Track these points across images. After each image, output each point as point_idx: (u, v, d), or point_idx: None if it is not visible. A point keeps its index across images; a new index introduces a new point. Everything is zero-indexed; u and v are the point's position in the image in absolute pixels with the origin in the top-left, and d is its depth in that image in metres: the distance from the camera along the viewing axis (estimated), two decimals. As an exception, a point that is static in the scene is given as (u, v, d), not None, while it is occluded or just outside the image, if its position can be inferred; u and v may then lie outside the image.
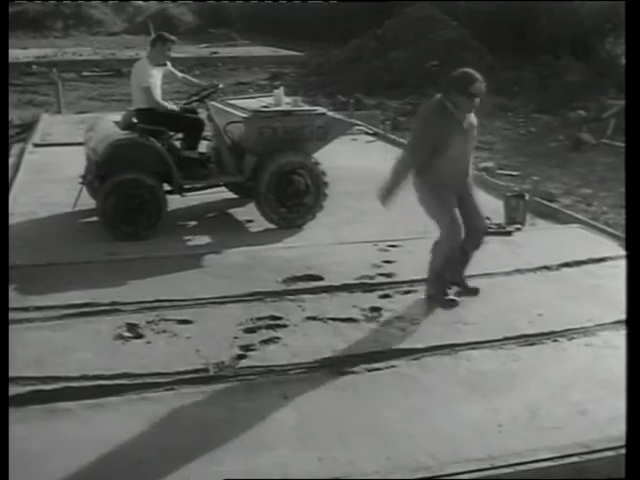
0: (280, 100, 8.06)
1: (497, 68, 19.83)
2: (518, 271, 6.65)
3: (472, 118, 5.77)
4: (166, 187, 7.84)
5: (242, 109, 8.02)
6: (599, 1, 20.79)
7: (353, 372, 4.89)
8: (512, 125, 15.86)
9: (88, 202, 7.95)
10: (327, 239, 7.63)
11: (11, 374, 4.42)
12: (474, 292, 6.12)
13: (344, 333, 5.41)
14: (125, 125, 7.85)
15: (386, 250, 7.11)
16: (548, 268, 6.72)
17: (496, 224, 7.91)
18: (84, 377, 4.74)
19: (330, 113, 8.39)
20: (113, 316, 5.63)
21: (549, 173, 11.42)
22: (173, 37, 8.09)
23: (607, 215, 9.07)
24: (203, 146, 8.45)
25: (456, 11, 22.98)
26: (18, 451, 3.88)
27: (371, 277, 6.41)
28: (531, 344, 5.30)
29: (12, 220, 7.81)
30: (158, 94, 7.84)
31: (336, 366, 4.95)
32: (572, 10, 21.47)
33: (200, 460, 3.96)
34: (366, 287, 6.21)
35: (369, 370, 4.92)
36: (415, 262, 6.71)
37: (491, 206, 8.65)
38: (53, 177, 9.75)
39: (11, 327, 5.06)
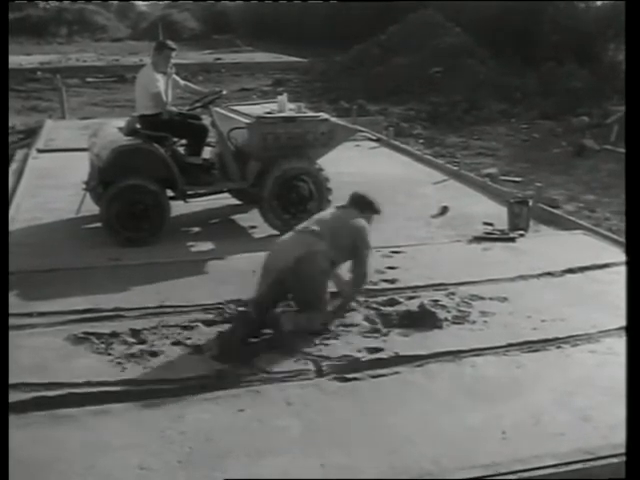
0: (284, 106, 8.07)
1: (500, 74, 19.87)
2: (521, 277, 6.64)
3: None
4: (169, 193, 7.85)
5: (246, 115, 8.03)
6: (604, 3, 20.86)
7: (357, 379, 4.89)
8: (515, 131, 15.88)
9: (91, 208, 7.96)
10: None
11: (14, 380, 4.43)
12: None
13: (347, 339, 5.40)
14: (129, 131, 7.87)
15: (389, 256, 7.10)
16: (551, 274, 6.72)
17: (499, 230, 7.92)
18: (88, 383, 4.74)
19: (333, 119, 8.40)
20: (116, 322, 5.63)
21: (552, 179, 11.44)
22: (174, 45, 8.10)
23: (610, 221, 9.08)
24: (207, 152, 8.46)
25: (459, 17, 23.02)
26: (20, 458, 3.89)
27: (374, 283, 6.40)
28: (535, 350, 5.30)
29: (16, 226, 7.86)
30: (169, 101, 7.88)
31: (340, 372, 4.95)
32: (575, 16, 21.52)
33: (204, 467, 3.96)
34: (369, 293, 6.20)
35: (373, 377, 4.91)
36: (418, 268, 6.72)
37: (494, 212, 8.69)
38: (57, 183, 9.77)
39: (14, 333, 5.09)
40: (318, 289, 5.60)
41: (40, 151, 12.09)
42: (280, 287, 5.58)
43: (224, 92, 8.49)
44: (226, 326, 5.56)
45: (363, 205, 5.95)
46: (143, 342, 5.33)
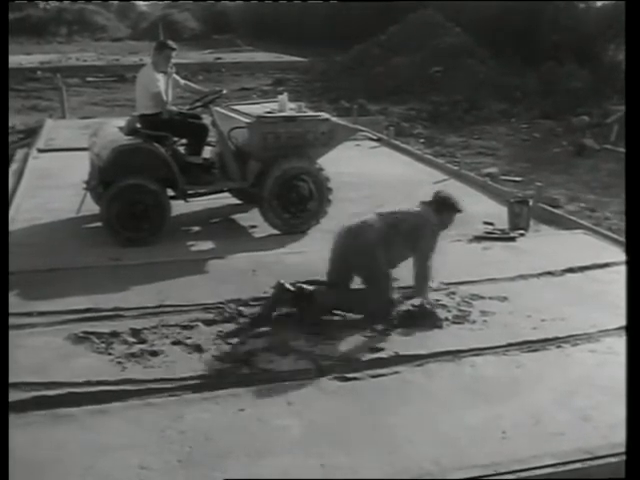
0: (284, 106, 8.07)
1: (500, 74, 19.86)
2: (522, 277, 6.65)
3: None
4: (170, 193, 7.85)
5: (246, 115, 8.03)
6: (604, 4, 20.87)
7: (357, 378, 4.89)
8: (515, 131, 15.88)
9: (92, 207, 7.95)
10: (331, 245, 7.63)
11: (14, 380, 4.43)
12: None
13: (347, 339, 5.40)
14: (129, 131, 7.86)
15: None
16: (552, 274, 6.72)
17: (500, 230, 7.92)
18: (88, 383, 4.74)
19: (334, 119, 8.39)
20: (116, 321, 5.64)
21: (552, 179, 11.43)
22: (174, 44, 8.09)
23: (610, 221, 9.07)
24: (207, 152, 8.46)
25: (459, 17, 23.01)
26: (20, 458, 3.89)
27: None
28: (534, 350, 5.30)
29: (16, 226, 7.85)
30: (169, 100, 7.87)
31: (340, 372, 4.95)
32: (575, 16, 21.53)
33: (203, 466, 3.96)
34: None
35: (373, 376, 4.92)
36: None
37: (495, 212, 8.68)
38: (57, 183, 9.77)
39: (14, 332, 5.09)
40: (369, 261, 5.67)
41: (40, 151, 12.09)
42: (342, 263, 5.82)
43: (224, 91, 8.48)
44: (226, 325, 5.58)
45: (440, 204, 5.95)
46: (143, 341, 5.33)
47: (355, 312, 5.75)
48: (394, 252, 5.80)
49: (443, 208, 5.93)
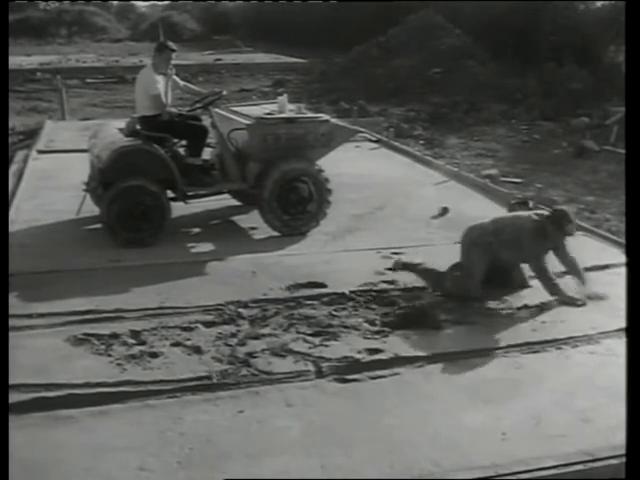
0: (284, 107, 8.06)
1: (500, 75, 19.87)
2: (521, 278, 6.64)
3: None
4: (170, 194, 7.84)
5: (246, 116, 8.02)
6: (604, 4, 20.91)
7: (356, 380, 4.89)
8: (515, 132, 15.88)
9: (92, 209, 7.95)
10: (330, 246, 7.64)
11: (14, 381, 4.44)
12: None
13: (347, 340, 5.40)
14: (129, 132, 7.86)
15: (389, 258, 7.10)
16: (551, 275, 6.71)
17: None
18: (88, 384, 4.74)
19: (333, 120, 8.39)
20: (116, 323, 5.63)
21: (552, 180, 11.43)
22: (174, 46, 8.09)
23: (610, 222, 9.06)
24: (207, 153, 8.46)
25: (459, 19, 23.02)
26: (20, 459, 3.89)
27: (374, 284, 6.41)
28: (535, 352, 5.30)
29: (16, 227, 7.85)
30: (169, 102, 7.87)
31: (340, 373, 4.95)
32: (575, 17, 21.54)
33: (203, 467, 3.96)
34: (369, 294, 6.20)
35: (372, 378, 4.92)
36: (418, 269, 6.71)
37: (495, 214, 8.66)
38: (57, 184, 9.76)
39: (14, 334, 5.09)
40: (469, 257, 6.25)
41: (40, 152, 12.08)
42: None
43: (224, 93, 8.48)
44: (226, 327, 5.58)
45: (556, 219, 6.17)
46: (143, 343, 5.34)
47: (443, 292, 6.20)
48: (505, 254, 6.17)
49: (557, 223, 6.14)
